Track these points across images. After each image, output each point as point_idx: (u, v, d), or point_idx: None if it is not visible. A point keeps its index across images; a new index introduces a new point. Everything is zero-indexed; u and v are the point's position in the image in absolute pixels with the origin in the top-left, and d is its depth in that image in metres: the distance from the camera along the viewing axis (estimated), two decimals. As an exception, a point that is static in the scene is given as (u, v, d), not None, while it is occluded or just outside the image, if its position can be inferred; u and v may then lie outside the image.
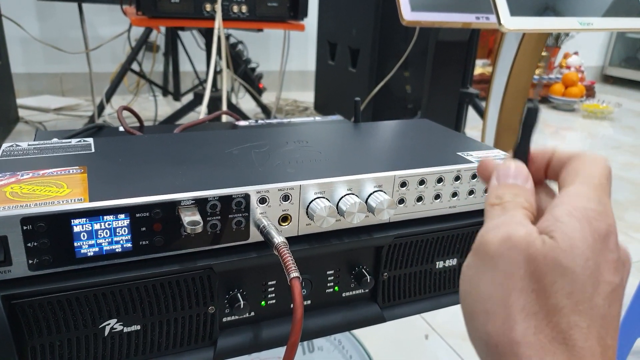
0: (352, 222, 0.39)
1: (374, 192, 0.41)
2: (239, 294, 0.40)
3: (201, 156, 0.44)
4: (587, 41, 3.63)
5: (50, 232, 0.32)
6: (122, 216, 0.34)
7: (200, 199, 0.36)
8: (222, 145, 0.47)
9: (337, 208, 0.39)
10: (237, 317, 0.41)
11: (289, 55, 1.82)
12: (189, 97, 2.25)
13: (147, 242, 0.35)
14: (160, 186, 0.37)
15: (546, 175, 0.30)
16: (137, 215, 0.34)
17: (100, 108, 1.84)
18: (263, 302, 0.42)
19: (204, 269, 0.37)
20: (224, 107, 1.22)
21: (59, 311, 0.34)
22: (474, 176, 0.45)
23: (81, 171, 0.38)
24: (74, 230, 0.33)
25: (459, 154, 0.47)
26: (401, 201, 0.43)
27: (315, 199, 0.39)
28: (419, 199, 0.43)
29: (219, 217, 0.37)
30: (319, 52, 2.37)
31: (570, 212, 0.24)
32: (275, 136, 0.51)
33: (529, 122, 0.28)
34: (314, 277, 0.43)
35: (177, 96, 2.20)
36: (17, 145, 0.43)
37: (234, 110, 1.71)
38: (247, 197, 0.37)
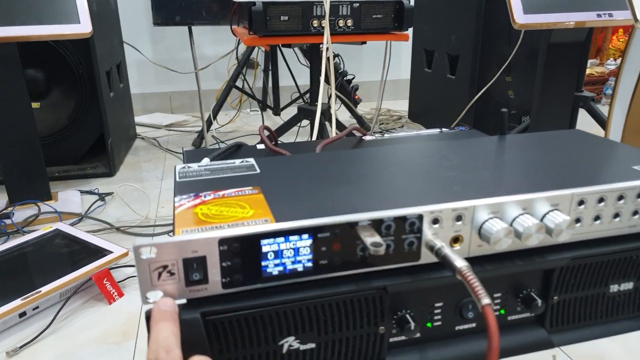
0: (528, 243, 0.37)
1: (549, 211, 0.38)
2: (407, 315, 0.39)
3: (361, 175, 0.44)
4: None
5: (242, 252, 0.34)
6: (305, 236, 0.35)
7: (376, 220, 0.36)
8: (374, 163, 0.47)
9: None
10: (404, 337, 0.40)
11: (381, 65, 1.82)
12: (286, 111, 2.32)
13: (326, 261, 0.36)
14: (336, 207, 0.37)
15: None
16: (319, 235, 0.35)
17: (209, 124, 1.94)
18: (429, 324, 0.41)
19: (377, 289, 0.37)
20: (334, 121, 1.24)
21: (245, 327, 0.35)
22: (655, 193, 0.41)
23: (256, 192, 0.40)
24: (263, 250, 0.34)
25: (636, 167, 0.43)
26: (577, 220, 0.40)
27: (488, 219, 0.37)
28: (596, 218, 0.40)
29: (393, 238, 0.36)
30: (415, 60, 2.34)
31: None
32: (420, 153, 0.50)
33: None
34: (480, 299, 0.41)
35: (276, 111, 2.27)
36: (188, 167, 0.46)
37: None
38: (420, 217, 0.36)
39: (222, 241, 0.33)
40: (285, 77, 2.32)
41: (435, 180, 0.42)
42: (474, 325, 0.42)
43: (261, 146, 0.66)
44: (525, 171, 0.44)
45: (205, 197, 0.39)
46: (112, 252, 1.03)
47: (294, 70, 2.22)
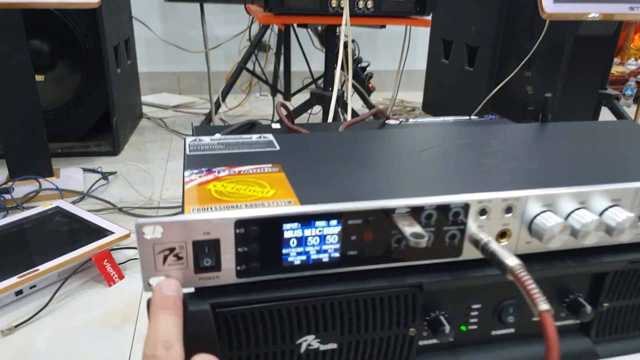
0: (585, 242, 0.33)
1: (610, 207, 0.34)
2: (441, 317, 0.35)
3: (393, 157, 0.39)
4: None
5: (261, 236, 0.29)
6: (334, 222, 0.30)
7: (416, 208, 0.31)
8: (407, 145, 0.43)
9: (566, 224, 0.33)
10: (435, 341, 0.36)
11: (397, 54, 1.76)
12: (297, 97, 2.26)
13: (355, 252, 0.31)
14: (368, 191, 0.32)
15: None
16: (350, 222, 0.30)
17: (217, 106, 1.89)
18: (463, 327, 0.36)
19: (411, 287, 0.33)
20: (349, 109, 1.18)
21: (259, 323, 0.31)
22: None
23: (276, 170, 0.35)
24: (284, 236, 0.30)
25: None
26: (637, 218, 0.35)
27: (541, 212, 0.33)
28: (661, 217, 0.35)
29: (433, 229, 0.32)
30: (432, 50, 2.28)
31: None
32: (456, 136, 0.46)
33: None
34: (522, 303, 0.37)
35: (287, 96, 2.22)
36: (200, 140, 0.42)
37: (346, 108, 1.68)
38: (466, 207, 0.32)
39: (239, 223, 0.29)
40: (296, 62, 2.27)
41: (478, 167, 0.38)
42: (512, 330, 0.37)
43: (276, 125, 0.61)
44: (579, 161, 0.39)
45: (219, 172, 0.35)
46: (113, 233, 0.99)
47: (306, 55, 2.17)
